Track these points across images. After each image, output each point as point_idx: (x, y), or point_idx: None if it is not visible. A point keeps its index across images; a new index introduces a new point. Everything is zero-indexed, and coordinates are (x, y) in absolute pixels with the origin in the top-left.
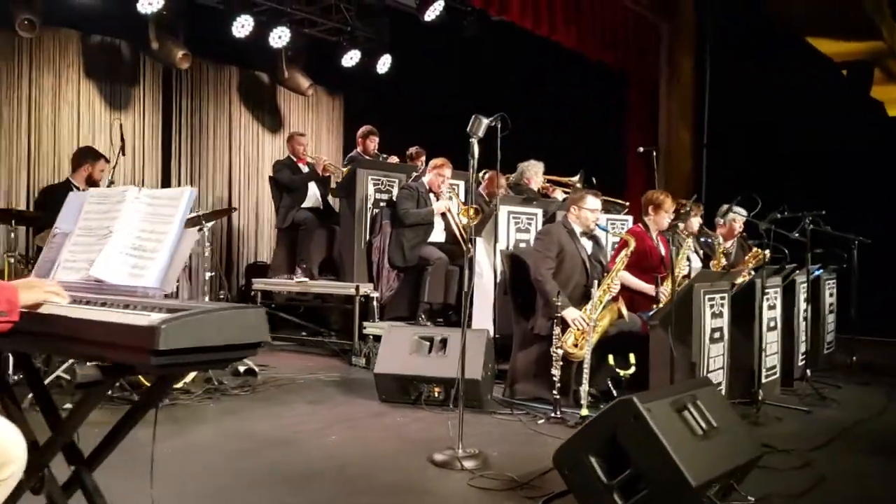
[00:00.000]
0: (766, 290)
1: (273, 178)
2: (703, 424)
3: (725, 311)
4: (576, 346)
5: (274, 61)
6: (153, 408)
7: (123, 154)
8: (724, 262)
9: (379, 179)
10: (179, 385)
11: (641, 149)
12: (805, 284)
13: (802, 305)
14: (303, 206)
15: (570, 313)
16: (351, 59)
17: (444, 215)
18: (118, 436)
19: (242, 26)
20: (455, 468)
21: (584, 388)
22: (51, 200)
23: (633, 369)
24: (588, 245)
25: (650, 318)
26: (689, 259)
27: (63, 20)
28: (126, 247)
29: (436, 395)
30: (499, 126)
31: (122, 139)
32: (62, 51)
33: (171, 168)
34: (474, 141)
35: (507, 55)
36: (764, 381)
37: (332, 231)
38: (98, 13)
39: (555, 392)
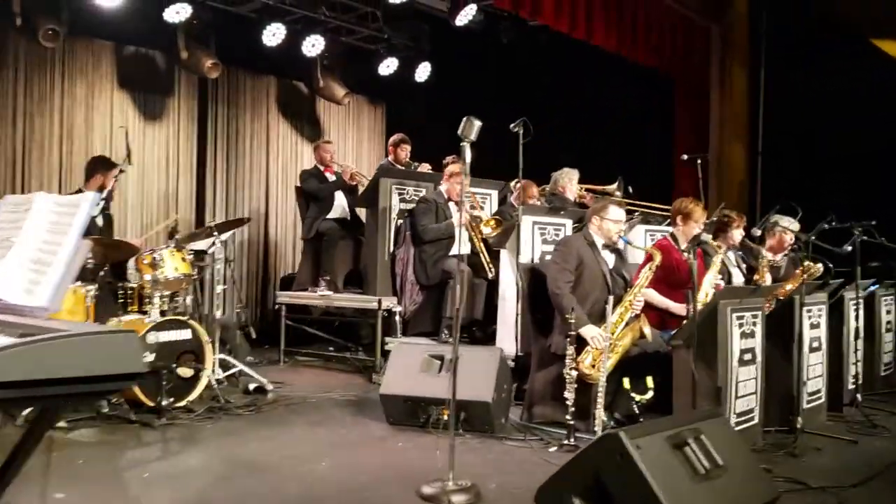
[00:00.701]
0: (809, 307)
1: (299, 187)
2: (706, 463)
3: (758, 330)
4: (593, 366)
5: (310, 70)
6: (33, 449)
7: (130, 163)
8: (768, 277)
9: (404, 189)
10: (182, 403)
11: (686, 156)
12: (855, 301)
13: (853, 324)
14: (329, 216)
15: (588, 330)
16: (388, 67)
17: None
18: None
19: (274, 35)
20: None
21: (600, 412)
22: None
23: (650, 394)
24: (610, 258)
25: (672, 338)
26: (724, 275)
27: (96, 31)
28: (26, 260)
29: (444, 417)
30: (521, 132)
31: (129, 147)
32: (95, 61)
33: (206, 179)
34: (466, 145)
35: (547, 60)
36: (805, 406)
37: (359, 242)
38: (132, 23)
39: (568, 417)
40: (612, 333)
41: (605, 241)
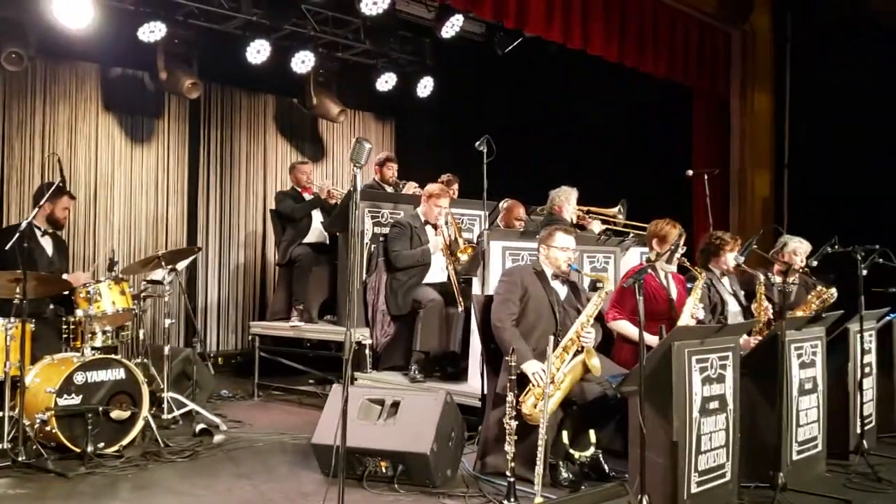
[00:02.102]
0: (799, 344)
1: (274, 210)
2: None
3: (729, 374)
4: (535, 406)
5: (304, 87)
6: None
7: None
8: (765, 305)
9: (378, 211)
10: (114, 448)
11: (691, 172)
12: (860, 333)
13: (859, 359)
14: (305, 240)
15: (530, 366)
16: (386, 82)
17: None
18: None
19: (258, 52)
20: None
21: (539, 469)
22: (4, 244)
23: (591, 450)
24: (562, 290)
25: (620, 384)
26: (715, 304)
27: (79, 53)
28: None
29: (383, 469)
30: (484, 150)
31: (62, 175)
32: (79, 84)
33: (199, 202)
34: (357, 171)
35: (552, 71)
36: (795, 458)
37: (336, 268)
38: (117, 44)
39: (508, 473)
40: (558, 369)
41: (555, 271)
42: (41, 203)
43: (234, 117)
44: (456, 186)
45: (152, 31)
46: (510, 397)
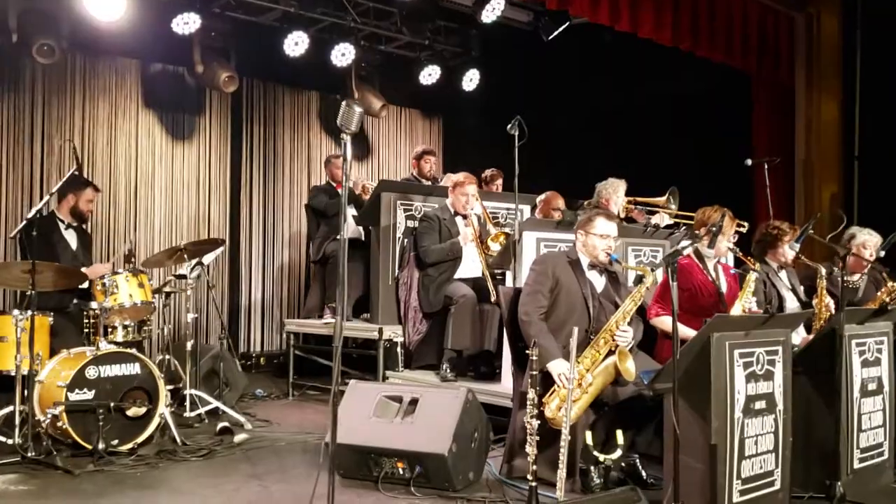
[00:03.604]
0: (861, 340)
1: (308, 205)
2: None
3: (778, 370)
4: (560, 409)
5: (345, 81)
6: None
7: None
8: (827, 301)
9: (411, 204)
10: (129, 446)
11: (750, 161)
12: None
13: None
14: (339, 236)
15: (556, 366)
16: (430, 76)
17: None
18: None
19: (296, 44)
20: None
21: (561, 474)
22: (30, 237)
23: (618, 453)
24: (599, 281)
25: (652, 381)
26: (770, 298)
27: (119, 48)
28: None
29: (400, 471)
30: (516, 134)
31: (78, 161)
32: (119, 80)
33: (241, 200)
34: (347, 137)
35: (603, 61)
36: (856, 466)
37: (369, 265)
38: (157, 40)
39: (529, 476)
40: (587, 370)
41: (592, 260)
42: (58, 193)
43: (277, 113)
44: (500, 181)
45: (186, 23)
46: (531, 395)
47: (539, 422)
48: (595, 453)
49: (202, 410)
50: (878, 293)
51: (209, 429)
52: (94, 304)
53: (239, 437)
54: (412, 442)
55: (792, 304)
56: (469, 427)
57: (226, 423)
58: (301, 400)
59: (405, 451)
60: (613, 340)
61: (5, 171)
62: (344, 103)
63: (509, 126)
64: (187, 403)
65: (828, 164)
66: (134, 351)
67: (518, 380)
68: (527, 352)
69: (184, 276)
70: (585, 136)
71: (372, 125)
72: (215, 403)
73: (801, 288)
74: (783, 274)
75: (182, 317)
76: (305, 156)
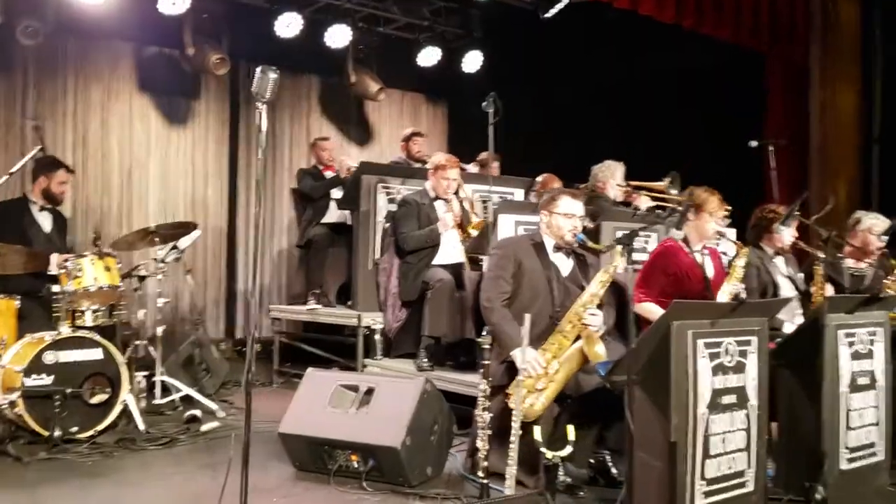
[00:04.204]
0: (850, 331)
1: (295, 189)
2: None
3: (751, 362)
4: (524, 401)
5: (343, 64)
6: None
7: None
8: (829, 289)
9: (391, 187)
10: (87, 433)
11: (754, 143)
12: None
13: None
14: (324, 220)
15: (520, 354)
16: (429, 57)
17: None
18: None
19: (288, 25)
20: None
21: (511, 471)
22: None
23: (568, 450)
24: (566, 264)
25: (609, 372)
26: (766, 286)
27: (112, 31)
28: None
29: (354, 464)
30: (491, 111)
31: (43, 144)
32: (112, 63)
33: (238, 185)
34: (262, 107)
35: (606, 40)
36: (845, 466)
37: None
38: (151, 22)
39: (480, 473)
40: (553, 357)
41: (557, 242)
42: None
43: (277, 98)
44: (497, 164)
45: (174, 3)
46: (483, 386)
47: (491, 415)
48: (542, 450)
49: (175, 397)
50: (887, 281)
51: (180, 417)
52: (55, 288)
53: (207, 426)
54: (365, 434)
55: (788, 293)
56: (427, 419)
57: (194, 412)
58: (285, 388)
59: (358, 443)
60: (580, 324)
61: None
62: (259, 69)
63: (484, 104)
64: (157, 390)
65: (844, 148)
66: (95, 336)
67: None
68: (477, 339)
69: (162, 261)
70: (591, 114)
71: (373, 109)
72: (186, 390)
73: (801, 276)
74: (779, 260)
75: (163, 301)
76: (304, 140)
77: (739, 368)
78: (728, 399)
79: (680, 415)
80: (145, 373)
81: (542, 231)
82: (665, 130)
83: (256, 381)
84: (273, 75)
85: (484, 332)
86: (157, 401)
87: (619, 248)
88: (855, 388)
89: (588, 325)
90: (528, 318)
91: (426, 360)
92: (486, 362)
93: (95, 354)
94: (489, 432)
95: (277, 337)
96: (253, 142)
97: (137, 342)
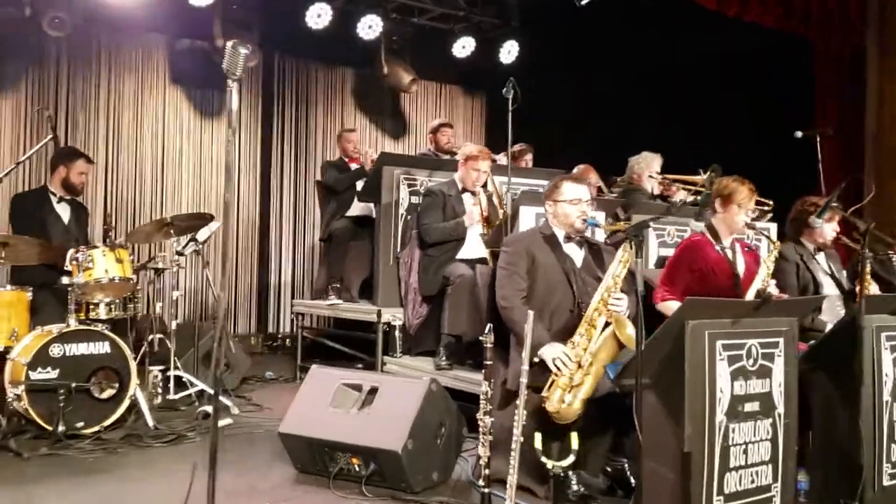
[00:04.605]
0: (894, 333)
1: (319, 181)
2: None
3: (777, 366)
4: (563, 401)
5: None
6: None
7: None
8: (874, 288)
9: (416, 179)
10: (94, 429)
11: (800, 133)
12: None
13: None
14: (348, 213)
15: (549, 351)
16: (463, 47)
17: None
18: None
19: (319, 16)
20: None
21: (511, 480)
22: (19, 210)
23: (571, 459)
24: (578, 254)
25: (617, 376)
26: (806, 283)
27: (146, 23)
28: None
29: (356, 468)
30: (510, 98)
31: (54, 131)
32: (146, 56)
33: (272, 180)
34: (233, 85)
35: (647, 20)
36: (888, 482)
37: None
38: (182, 15)
39: (481, 482)
40: (584, 350)
41: (568, 231)
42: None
43: (310, 90)
44: (530, 156)
45: None
46: (484, 388)
47: (493, 419)
48: (543, 459)
49: (191, 391)
50: None
51: (194, 413)
52: (64, 280)
53: (220, 423)
54: (366, 436)
55: (830, 291)
56: (432, 420)
57: (207, 408)
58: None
59: (359, 446)
60: (607, 310)
61: (30, 149)
62: (230, 45)
63: (504, 90)
64: (171, 385)
65: None
66: (103, 329)
67: (497, 373)
68: (480, 338)
69: (182, 254)
70: (632, 101)
71: (408, 101)
72: (201, 385)
73: (844, 273)
74: (821, 257)
75: (177, 294)
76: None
77: (764, 373)
78: (751, 406)
79: (695, 423)
80: (161, 367)
81: (551, 222)
82: (708, 117)
83: (280, 377)
84: (244, 51)
85: (486, 331)
86: (172, 396)
87: (625, 243)
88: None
89: (615, 310)
90: (531, 315)
91: (445, 358)
92: (489, 363)
93: (103, 348)
94: (490, 438)
95: (301, 332)
96: (286, 137)
97: (154, 336)
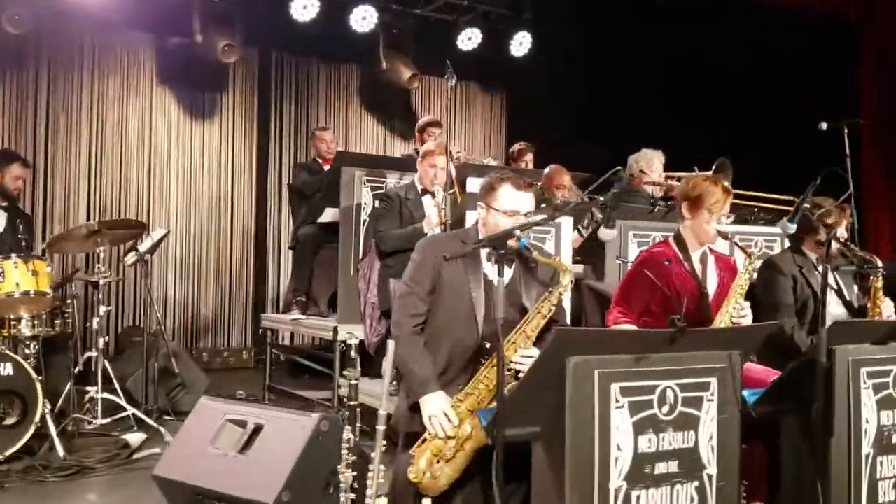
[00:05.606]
0: (878, 368)
1: (291, 184)
2: None
3: (711, 416)
4: (426, 472)
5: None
6: None
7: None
8: (888, 305)
9: (381, 181)
10: None
11: (825, 125)
12: None
13: None
14: (320, 219)
15: (432, 403)
16: (469, 39)
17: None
18: None
19: (304, 7)
20: None
21: None
22: None
23: None
24: (504, 274)
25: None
26: (800, 301)
27: (131, 22)
28: None
29: None
30: (452, 84)
31: None
32: (131, 55)
33: (269, 183)
34: None
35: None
36: None
37: None
38: (172, 13)
39: None
40: (471, 412)
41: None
42: None
43: (311, 90)
44: (529, 157)
45: None
46: (346, 435)
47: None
48: None
49: (125, 415)
50: None
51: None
52: None
53: (141, 453)
54: (238, 485)
55: (836, 310)
56: (321, 467)
57: (127, 438)
58: (276, 405)
59: (230, 496)
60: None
61: None
62: None
63: (446, 76)
64: (99, 409)
65: None
66: (5, 349)
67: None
68: (343, 374)
69: (145, 261)
70: (657, 90)
71: (419, 100)
72: (131, 410)
73: (855, 288)
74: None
75: (125, 307)
76: (342, 136)
77: (686, 423)
78: (665, 467)
79: (582, 489)
80: (94, 388)
81: (479, 230)
82: (733, 109)
83: (250, 397)
84: None
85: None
86: (101, 420)
87: (564, 264)
88: (886, 448)
89: (519, 370)
90: (391, 345)
91: (398, 383)
92: (353, 403)
93: (5, 370)
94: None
95: (269, 349)
96: (284, 138)
97: (91, 354)
